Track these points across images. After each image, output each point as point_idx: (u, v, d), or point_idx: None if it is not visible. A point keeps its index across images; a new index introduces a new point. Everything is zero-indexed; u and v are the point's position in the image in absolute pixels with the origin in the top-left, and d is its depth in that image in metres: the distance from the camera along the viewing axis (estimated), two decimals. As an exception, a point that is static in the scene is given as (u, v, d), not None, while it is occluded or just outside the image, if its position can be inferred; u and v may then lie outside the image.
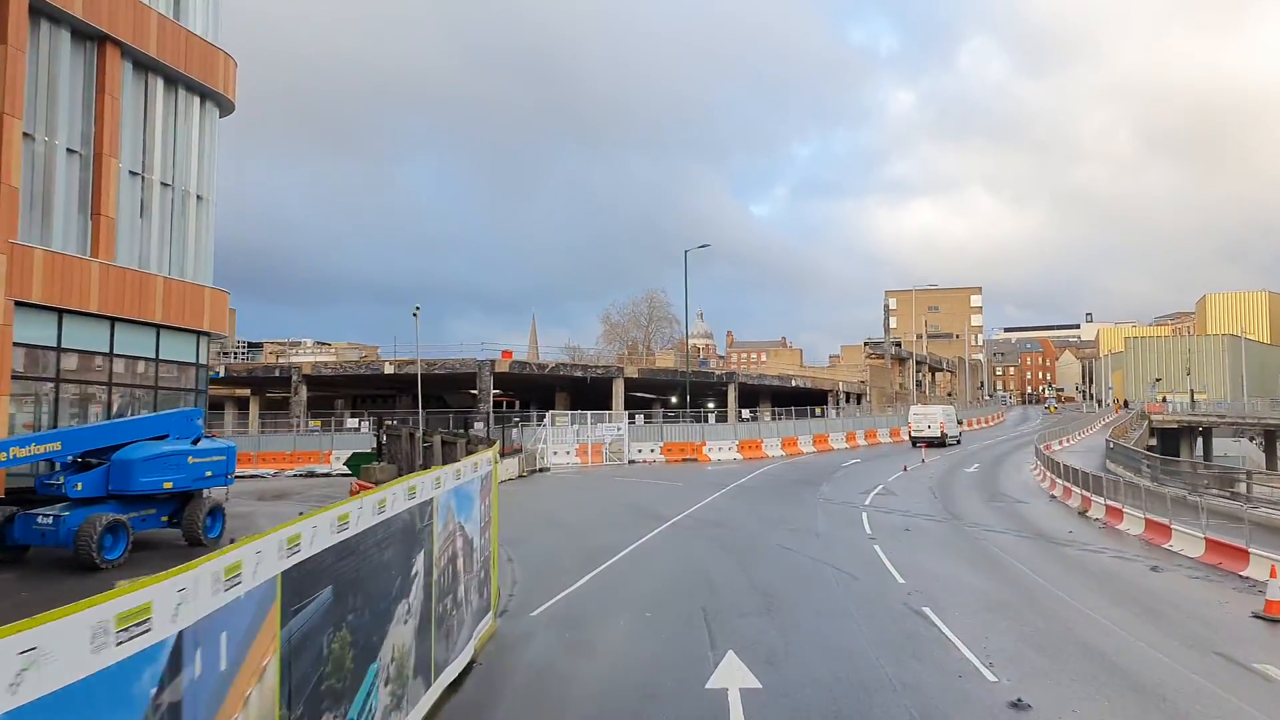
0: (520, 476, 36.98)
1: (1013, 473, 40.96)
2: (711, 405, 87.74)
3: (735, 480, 34.41)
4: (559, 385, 60.03)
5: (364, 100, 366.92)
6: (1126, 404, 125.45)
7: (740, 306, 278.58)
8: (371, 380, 54.27)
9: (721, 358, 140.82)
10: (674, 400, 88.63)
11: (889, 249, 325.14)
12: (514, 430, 41.24)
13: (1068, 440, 63.41)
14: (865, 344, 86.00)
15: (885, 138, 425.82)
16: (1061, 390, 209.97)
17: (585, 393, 59.79)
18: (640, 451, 45.89)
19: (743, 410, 68.75)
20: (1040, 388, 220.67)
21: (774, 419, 55.81)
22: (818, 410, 58.55)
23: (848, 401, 70.18)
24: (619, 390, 52.87)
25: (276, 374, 52.53)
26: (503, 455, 37.43)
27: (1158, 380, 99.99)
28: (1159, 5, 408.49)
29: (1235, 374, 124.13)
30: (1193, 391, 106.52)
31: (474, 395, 76.04)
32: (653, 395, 79.54)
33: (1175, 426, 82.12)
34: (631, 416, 47.60)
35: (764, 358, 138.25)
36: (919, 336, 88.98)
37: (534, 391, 71.19)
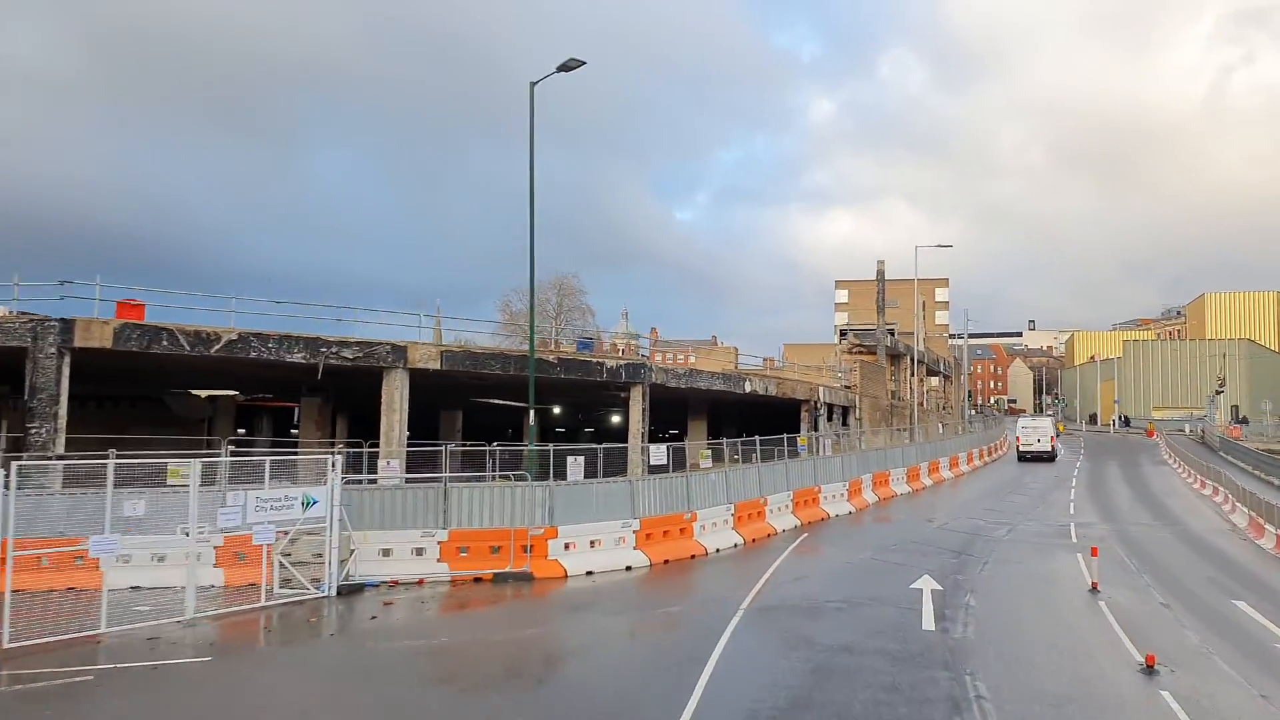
0: None
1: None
2: (617, 420, 60.09)
3: None
4: (308, 385, 31.76)
5: (267, 84, 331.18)
6: (1128, 421, 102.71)
7: (664, 310, 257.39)
8: None
9: (645, 357, 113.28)
10: (558, 411, 60.47)
11: (810, 257, 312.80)
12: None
13: (1193, 476, 38.02)
14: (845, 334, 59.54)
15: (806, 145, 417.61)
16: (1014, 401, 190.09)
17: (357, 396, 31.62)
18: (389, 554, 18.03)
19: (666, 434, 43.14)
20: (992, 398, 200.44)
21: (713, 458, 28.46)
22: (799, 441, 31.29)
23: (830, 419, 43.47)
24: (394, 393, 25.01)
25: None
26: None
27: (1218, 392, 76.03)
28: (1066, 26, 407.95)
29: (1255, 384, 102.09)
30: (1236, 408, 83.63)
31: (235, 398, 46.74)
32: (524, 404, 51.16)
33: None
34: (366, 457, 19.62)
35: (692, 358, 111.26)
36: (889, 331, 62.61)
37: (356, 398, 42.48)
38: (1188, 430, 76.95)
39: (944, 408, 72.17)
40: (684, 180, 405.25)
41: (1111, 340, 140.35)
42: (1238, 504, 30.16)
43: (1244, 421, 75.76)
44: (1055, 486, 40.20)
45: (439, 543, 18.35)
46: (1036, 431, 54.04)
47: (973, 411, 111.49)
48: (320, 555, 16.93)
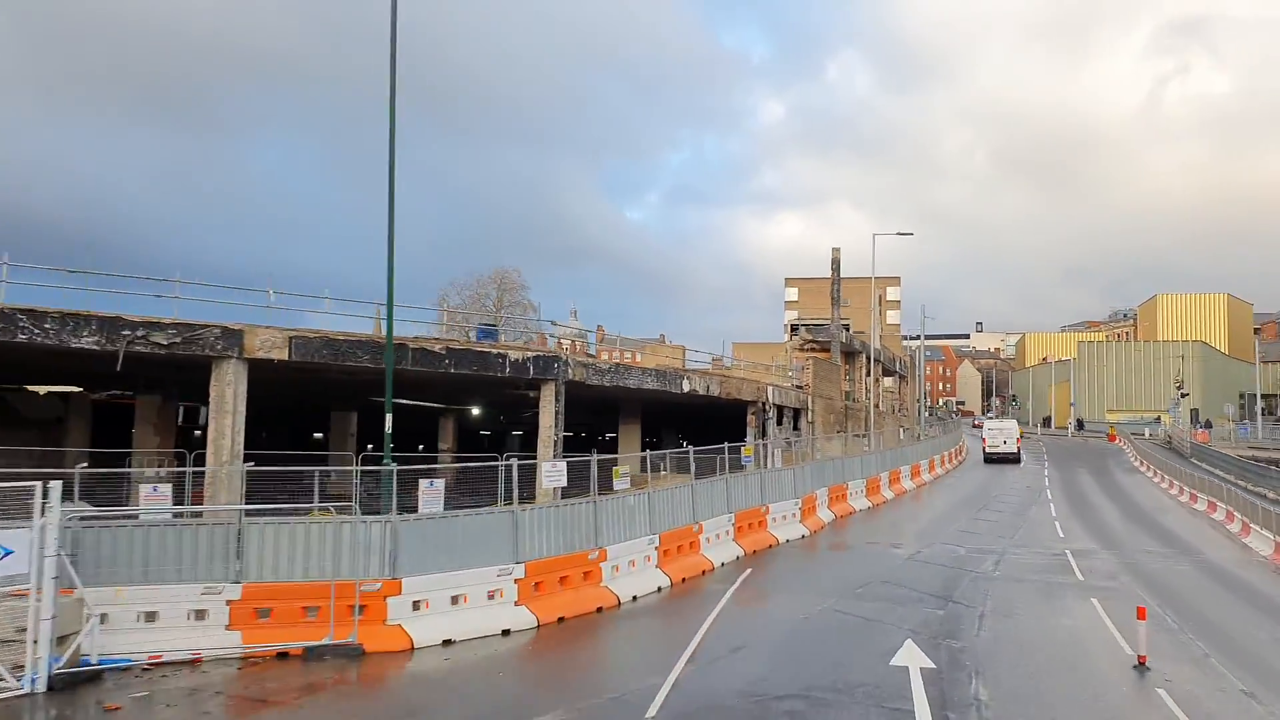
0: None
1: None
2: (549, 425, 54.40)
3: None
4: (145, 380, 25.87)
5: (206, 72, 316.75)
6: (1081, 424, 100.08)
7: (616, 310, 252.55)
8: None
9: (591, 356, 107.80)
10: (477, 413, 54.52)
11: (759, 259, 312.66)
12: None
13: (1175, 487, 33.87)
14: (796, 329, 54.93)
15: (755, 147, 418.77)
16: (962, 403, 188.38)
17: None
18: (155, 620, 12.53)
19: (602, 438, 38.98)
20: (941, 400, 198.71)
21: (651, 471, 23.37)
22: (743, 451, 26.15)
23: (780, 422, 38.65)
24: (226, 389, 19.40)
25: None
26: None
27: (1183, 395, 73.01)
28: (1009, 34, 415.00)
29: (1208, 386, 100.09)
30: (1195, 411, 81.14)
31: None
32: (440, 404, 45.52)
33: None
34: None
35: (638, 357, 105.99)
36: (844, 327, 58.28)
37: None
38: (1148, 434, 73.93)
39: (899, 410, 68.03)
40: (635, 180, 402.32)
41: (1062, 342, 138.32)
42: (1252, 525, 25.91)
43: (1209, 425, 72.95)
44: (1031, 500, 35.83)
45: (228, 602, 12.88)
46: (1003, 433, 54.48)
47: (927, 414, 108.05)
48: (27, 630, 11.39)
